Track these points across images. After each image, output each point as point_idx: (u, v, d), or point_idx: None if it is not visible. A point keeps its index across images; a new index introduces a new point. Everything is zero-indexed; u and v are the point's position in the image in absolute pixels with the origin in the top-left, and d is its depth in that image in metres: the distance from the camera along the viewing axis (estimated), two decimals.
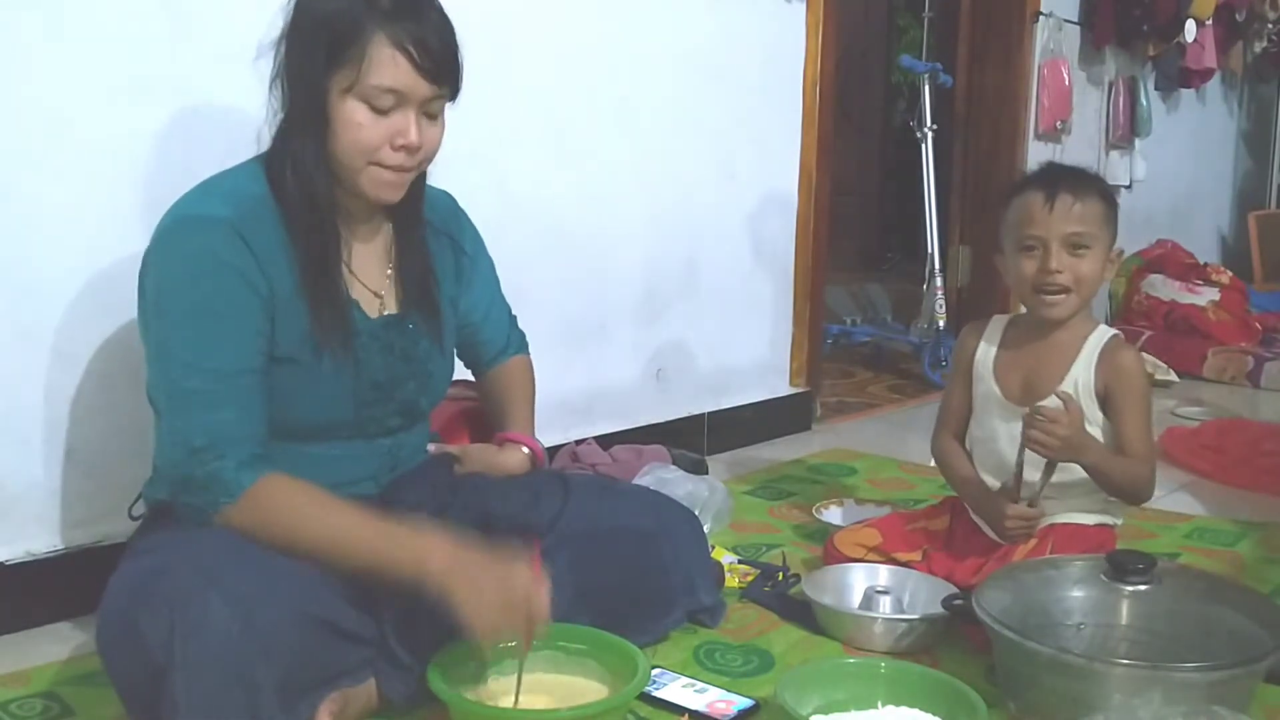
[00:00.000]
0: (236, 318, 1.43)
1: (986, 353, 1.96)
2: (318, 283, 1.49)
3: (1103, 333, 1.90)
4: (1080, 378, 1.86)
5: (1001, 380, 1.93)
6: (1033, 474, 1.83)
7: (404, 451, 1.65)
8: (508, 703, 1.43)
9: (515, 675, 1.44)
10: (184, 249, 1.44)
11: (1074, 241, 1.82)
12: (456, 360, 1.78)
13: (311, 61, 1.43)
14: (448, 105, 1.52)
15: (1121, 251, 1.93)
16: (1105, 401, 1.86)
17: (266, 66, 1.50)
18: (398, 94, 1.44)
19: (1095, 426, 1.86)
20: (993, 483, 1.91)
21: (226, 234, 1.43)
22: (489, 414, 1.86)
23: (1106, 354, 1.86)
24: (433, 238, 1.67)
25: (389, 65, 1.42)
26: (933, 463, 2.09)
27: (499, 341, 1.84)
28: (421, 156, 1.51)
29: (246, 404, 1.43)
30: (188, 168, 1.57)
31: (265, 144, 1.53)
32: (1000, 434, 1.91)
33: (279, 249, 1.47)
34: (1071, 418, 1.75)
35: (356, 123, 1.44)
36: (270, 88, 1.50)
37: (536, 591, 1.38)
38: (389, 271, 1.62)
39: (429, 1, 1.49)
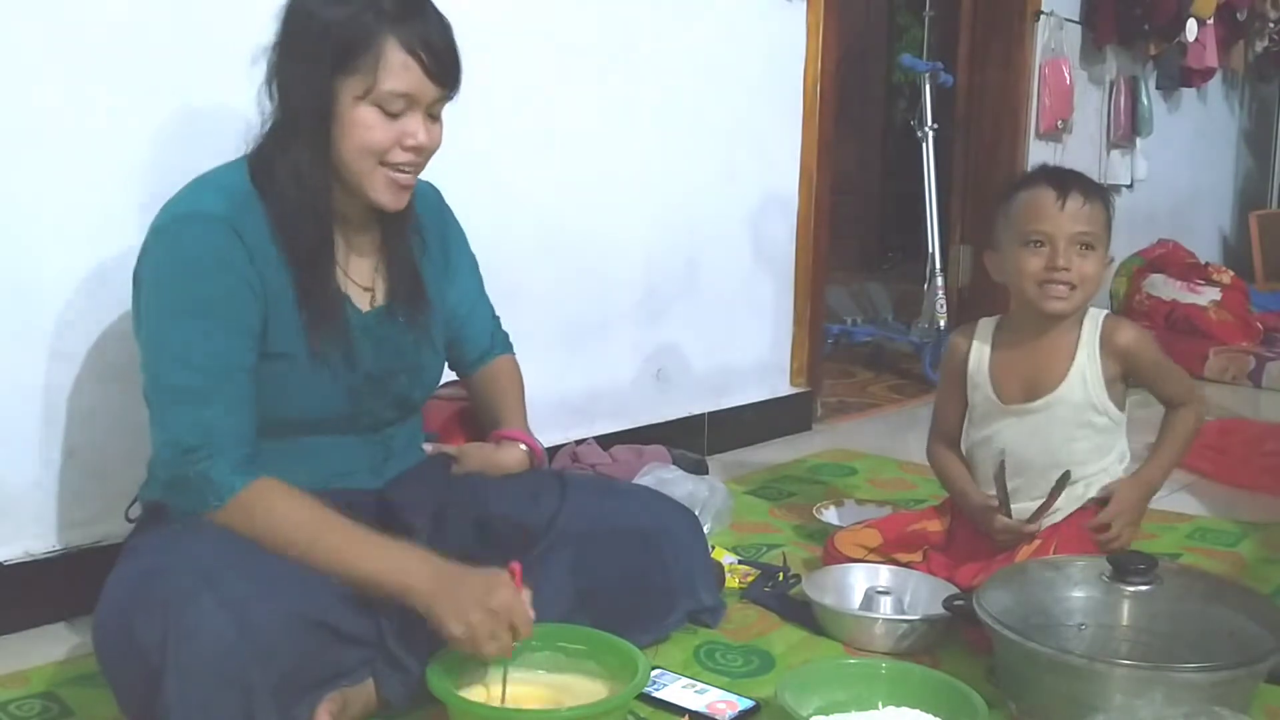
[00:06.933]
0: (231, 315, 1.43)
1: (980, 357, 1.96)
2: (311, 286, 1.49)
3: (1095, 317, 1.90)
4: (1086, 368, 1.87)
5: (999, 384, 1.93)
6: (1016, 480, 1.87)
7: (396, 443, 1.65)
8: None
9: (515, 672, 1.44)
10: (180, 245, 1.44)
11: (1081, 241, 1.82)
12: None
13: (317, 67, 1.43)
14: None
15: (1113, 259, 1.94)
16: (1124, 380, 1.89)
17: (260, 70, 1.50)
18: (409, 98, 1.46)
19: (1103, 415, 1.87)
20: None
21: (223, 230, 1.43)
22: (480, 414, 1.86)
23: (1107, 338, 1.87)
24: (419, 230, 1.67)
25: (401, 70, 1.44)
26: None
27: (483, 340, 1.83)
28: (425, 156, 1.52)
29: (237, 402, 1.43)
30: (183, 167, 1.57)
31: (250, 146, 1.52)
32: (1001, 438, 1.91)
33: (272, 245, 1.47)
34: (1119, 513, 1.85)
35: (367, 125, 1.45)
36: (262, 92, 1.49)
37: (517, 600, 1.39)
38: (378, 266, 1.62)
39: (428, 1, 1.50)
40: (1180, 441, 1.94)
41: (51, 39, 1.75)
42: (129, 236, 1.77)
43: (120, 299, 1.79)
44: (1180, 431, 1.93)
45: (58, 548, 1.83)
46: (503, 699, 1.42)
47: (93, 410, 1.84)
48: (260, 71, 1.50)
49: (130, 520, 1.57)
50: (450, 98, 1.52)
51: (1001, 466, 1.85)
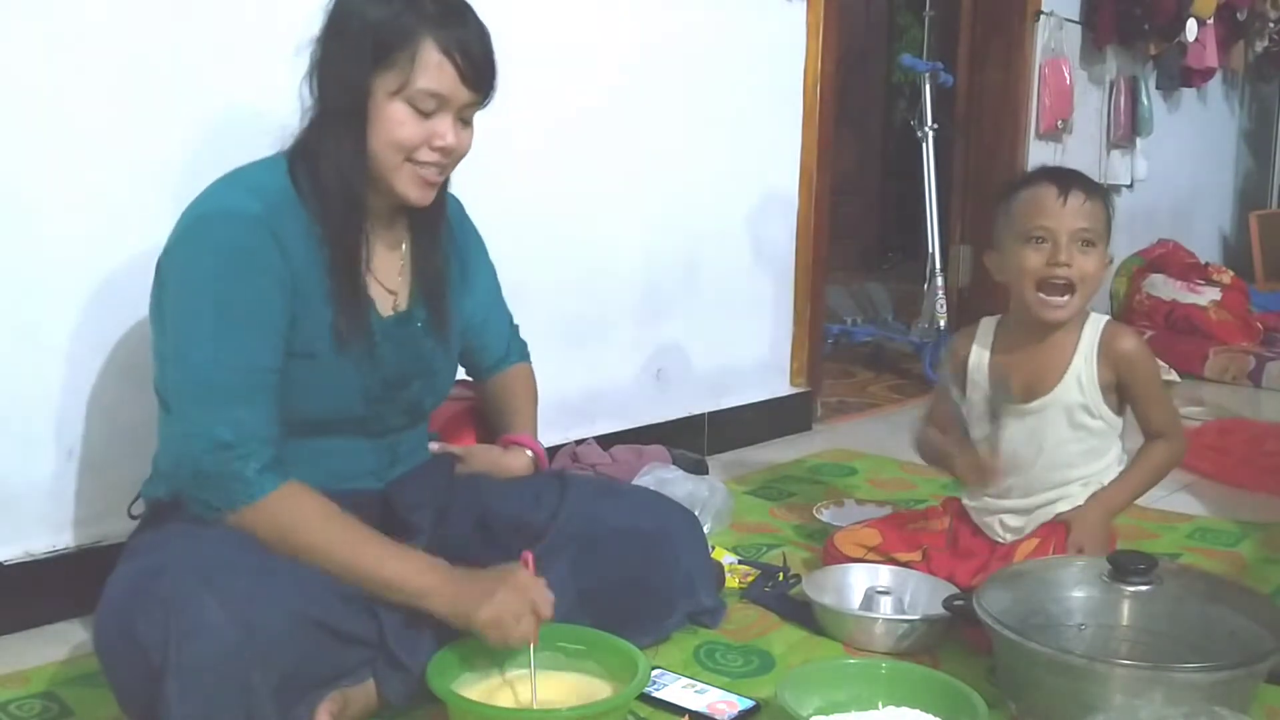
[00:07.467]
0: (264, 315, 1.44)
1: (980, 358, 1.95)
2: (343, 282, 1.50)
3: (1097, 321, 1.89)
4: (1082, 371, 1.86)
5: (997, 384, 1.92)
6: (1010, 478, 1.89)
7: (403, 448, 1.66)
8: (508, 699, 1.43)
9: (515, 672, 1.46)
10: (213, 243, 1.44)
11: (1083, 237, 1.82)
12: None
13: (357, 62, 1.46)
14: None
15: (1112, 260, 1.94)
16: (1118, 390, 1.88)
17: (274, 67, 1.50)
18: (440, 98, 1.48)
19: (1099, 419, 1.87)
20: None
21: (257, 229, 1.44)
22: (491, 418, 1.87)
23: (1106, 344, 1.86)
24: (444, 239, 1.68)
25: (435, 71, 1.46)
26: None
27: (500, 348, 1.84)
28: (454, 159, 1.54)
29: (266, 402, 1.44)
30: (193, 166, 1.58)
31: (288, 140, 1.53)
32: (1000, 436, 1.91)
33: (304, 245, 1.48)
34: (1080, 539, 1.81)
35: (398, 121, 1.47)
36: (304, 85, 1.51)
37: (537, 588, 1.44)
38: (402, 269, 1.62)
39: (470, 8, 1.52)
40: (1151, 473, 1.91)
41: (58, 38, 1.75)
42: (134, 236, 1.78)
43: (125, 298, 1.80)
44: (1153, 463, 1.91)
45: (58, 547, 1.83)
46: (534, 698, 1.43)
47: (95, 409, 1.84)
48: (290, 68, 1.52)
49: (133, 517, 1.57)
50: (483, 104, 1.54)
51: (965, 437, 1.90)
